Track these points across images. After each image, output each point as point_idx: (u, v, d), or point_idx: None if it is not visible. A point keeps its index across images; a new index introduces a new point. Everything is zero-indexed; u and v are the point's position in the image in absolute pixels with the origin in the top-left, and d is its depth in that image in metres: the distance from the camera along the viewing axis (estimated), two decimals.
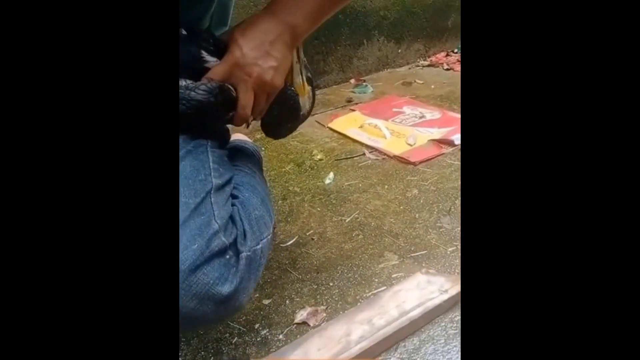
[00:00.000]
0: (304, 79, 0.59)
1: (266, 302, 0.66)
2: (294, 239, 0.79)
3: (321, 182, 0.96)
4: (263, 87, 0.52)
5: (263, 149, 1.03)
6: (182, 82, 0.50)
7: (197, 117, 0.51)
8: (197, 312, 0.44)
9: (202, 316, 0.44)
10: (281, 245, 0.78)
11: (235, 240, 0.48)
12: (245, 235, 0.50)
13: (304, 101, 0.61)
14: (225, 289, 0.45)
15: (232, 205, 0.52)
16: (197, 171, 0.49)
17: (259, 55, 0.51)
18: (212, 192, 0.49)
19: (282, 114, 0.59)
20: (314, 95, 0.63)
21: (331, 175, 0.97)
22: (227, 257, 0.46)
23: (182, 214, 0.45)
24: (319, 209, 0.87)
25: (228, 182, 0.52)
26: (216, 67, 0.51)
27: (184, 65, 0.50)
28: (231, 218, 0.49)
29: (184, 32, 0.52)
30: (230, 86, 0.52)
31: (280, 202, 0.90)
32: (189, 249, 0.44)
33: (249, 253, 0.49)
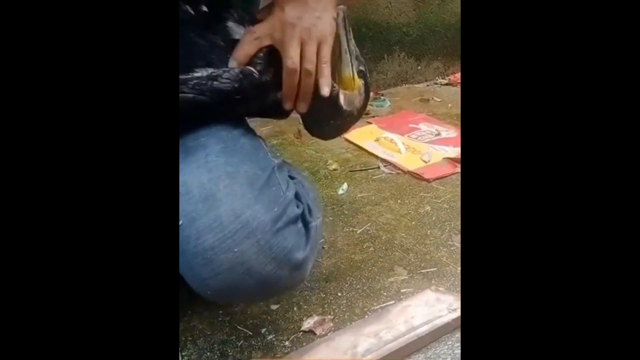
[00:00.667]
0: (354, 71, 0.53)
1: (274, 307, 0.67)
2: None
3: (334, 192, 0.96)
4: (310, 33, 0.49)
5: (279, 155, 1.04)
6: (203, 73, 0.47)
7: (224, 106, 0.49)
8: (273, 276, 0.45)
9: (275, 281, 0.46)
10: None
11: (302, 212, 0.50)
12: (310, 210, 0.52)
13: (352, 96, 0.54)
14: (300, 255, 0.47)
15: (293, 184, 0.53)
16: (256, 149, 0.51)
17: (302, 10, 0.49)
18: (275, 168, 0.50)
19: (317, 109, 0.53)
20: (366, 91, 0.55)
21: (345, 185, 0.98)
22: (299, 226, 0.49)
23: (255, 183, 0.47)
24: (331, 218, 0.87)
25: (283, 163, 0.54)
26: (259, 25, 0.50)
27: (204, 49, 0.49)
28: (295, 194, 0.51)
29: (204, 8, 0.50)
30: (251, 68, 0.49)
31: None
32: (270, 212, 0.45)
33: (315, 223, 0.51)
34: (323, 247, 0.80)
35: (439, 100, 1.50)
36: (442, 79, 1.69)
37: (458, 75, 1.70)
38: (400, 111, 1.40)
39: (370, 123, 1.29)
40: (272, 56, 0.51)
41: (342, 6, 0.52)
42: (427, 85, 1.65)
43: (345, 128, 0.59)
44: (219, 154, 0.48)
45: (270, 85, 0.51)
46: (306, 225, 0.50)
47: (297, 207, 0.50)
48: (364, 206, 0.91)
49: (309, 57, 0.49)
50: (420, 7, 1.57)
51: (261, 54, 0.50)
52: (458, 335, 0.62)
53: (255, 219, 0.44)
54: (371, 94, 1.52)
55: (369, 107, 1.44)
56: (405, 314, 0.63)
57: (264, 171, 0.49)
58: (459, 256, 0.77)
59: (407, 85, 1.62)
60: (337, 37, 0.52)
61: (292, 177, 0.55)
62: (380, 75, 1.56)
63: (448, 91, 1.59)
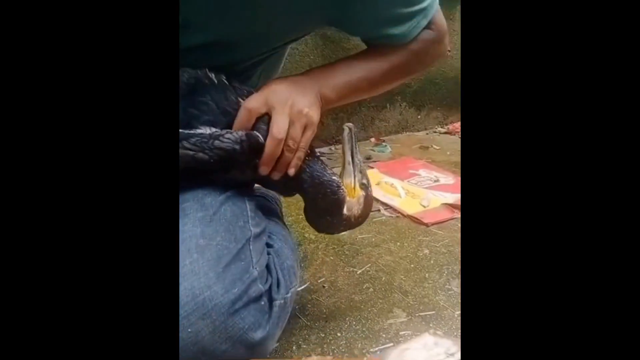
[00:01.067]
0: (356, 182, 0.58)
1: (273, 346, 0.67)
2: (305, 285, 0.81)
3: None
4: (299, 115, 0.51)
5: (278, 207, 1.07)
6: (207, 130, 0.49)
7: (221, 166, 0.50)
8: (228, 354, 0.45)
9: (231, 359, 0.45)
10: None
11: (270, 288, 0.50)
12: (278, 284, 0.52)
13: (352, 203, 0.58)
14: (258, 334, 0.46)
15: (268, 254, 0.54)
16: (236, 217, 0.51)
17: (294, 91, 0.52)
18: (251, 239, 0.51)
19: (320, 201, 0.57)
20: (367, 202, 0.59)
21: None
22: (262, 303, 0.48)
23: (224, 257, 0.47)
24: (332, 258, 0.89)
25: (263, 231, 0.54)
26: (251, 97, 0.52)
27: (218, 109, 0.51)
28: (267, 266, 0.51)
29: (224, 79, 0.53)
30: (257, 134, 0.51)
31: None
32: (229, 293, 0.45)
33: (281, 301, 0.50)
34: (324, 286, 0.81)
35: (438, 148, 1.56)
36: (442, 127, 1.76)
37: (457, 125, 1.77)
38: (400, 157, 1.45)
39: (371, 168, 1.33)
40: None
41: (349, 123, 0.59)
42: (427, 134, 1.71)
43: (339, 230, 0.63)
44: (197, 223, 0.48)
45: None
46: (271, 302, 0.50)
47: (266, 281, 0.50)
48: (364, 247, 0.93)
49: (293, 135, 0.51)
50: None
51: (263, 123, 0.52)
52: None
53: (213, 300, 0.45)
54: (373, 139, 1.59)
55: (371, 152, 1.49)
56: (403, 358, 0.63)
57: (237, 243, 0.49)
58: (456, 300, 0.78)
59: (407, 133, 1.69)
60: (342, 150, 0.59)
61: (270, 245, 0.55)
62: (382, 122, 1.63)
63: (447, 139, 1.65)
